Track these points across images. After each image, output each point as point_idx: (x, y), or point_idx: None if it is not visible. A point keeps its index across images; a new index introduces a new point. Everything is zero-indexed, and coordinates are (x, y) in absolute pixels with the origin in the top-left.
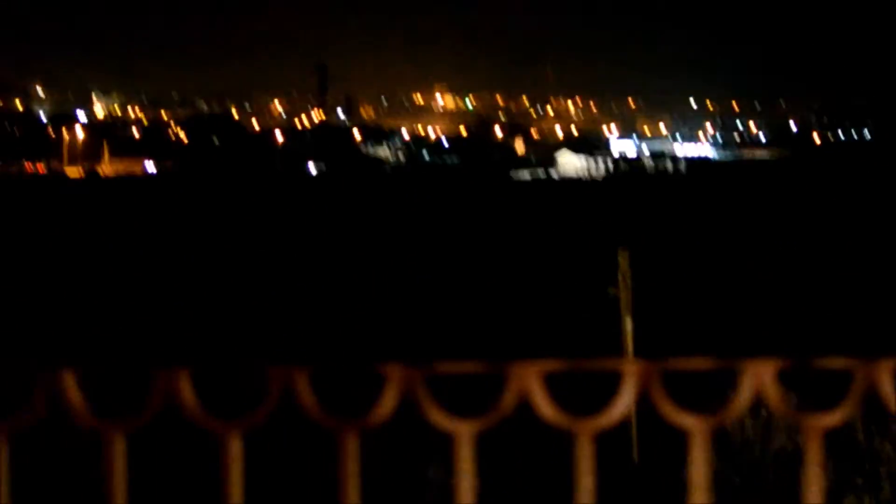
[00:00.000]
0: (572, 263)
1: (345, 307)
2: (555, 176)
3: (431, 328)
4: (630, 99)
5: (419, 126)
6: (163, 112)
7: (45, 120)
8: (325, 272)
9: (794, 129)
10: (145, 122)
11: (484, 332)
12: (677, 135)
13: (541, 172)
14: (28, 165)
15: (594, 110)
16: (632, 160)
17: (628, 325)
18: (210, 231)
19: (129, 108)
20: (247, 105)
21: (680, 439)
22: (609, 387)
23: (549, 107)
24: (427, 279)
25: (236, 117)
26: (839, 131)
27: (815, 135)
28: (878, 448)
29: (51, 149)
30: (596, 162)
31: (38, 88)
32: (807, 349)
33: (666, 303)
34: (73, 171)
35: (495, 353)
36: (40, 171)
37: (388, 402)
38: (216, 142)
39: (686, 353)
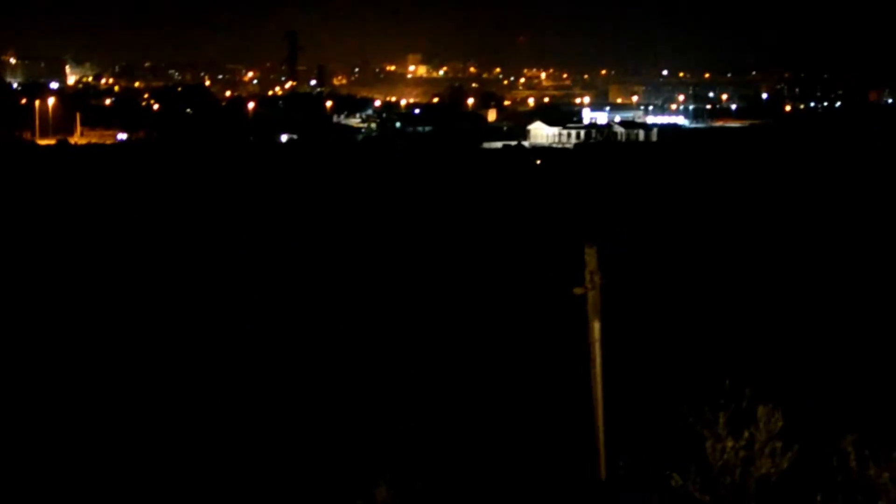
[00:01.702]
0: (534, 259)
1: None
2: (526, 145)
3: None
4: (603, 70)
5: (391, 96)
6: (135, 83)
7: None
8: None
9: (765, 99)
10: (117, 90)
11: (435, 337)
12: (649, 106)
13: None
14: None
15: (567, 81)
16: (602, 128)
17: (596, 330)
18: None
19: (103, 78)
20: (219, 76)
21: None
22: None
23: (521, 77)
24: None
25: (209, 86)
26: (810, 103)
27: (785, 105)
28: (873, 477)
29: (23, 119)
30: (568, 132)
31: (11, 59)
32: (793, 352)
33: (638, 303)
34: (45, 142)
35: (449, 361)
36: None
37: None
38: (188, 111)
39: (660, 360)
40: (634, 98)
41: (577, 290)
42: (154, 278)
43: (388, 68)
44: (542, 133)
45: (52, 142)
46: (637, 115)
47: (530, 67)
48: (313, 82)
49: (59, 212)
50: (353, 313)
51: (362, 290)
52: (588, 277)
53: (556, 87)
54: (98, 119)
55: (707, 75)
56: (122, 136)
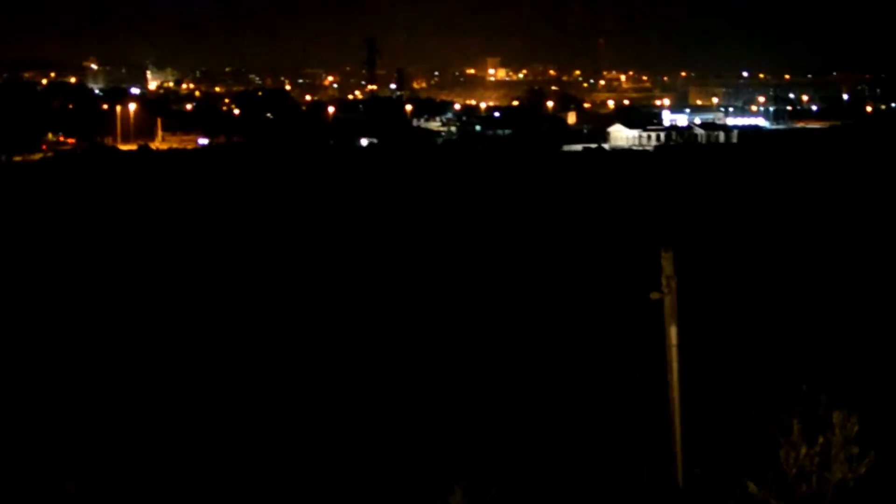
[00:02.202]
0: (613, 263)
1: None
2: (606, 148)
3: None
4: (682, 72)
5: (471, 99)
6: (216, 87)
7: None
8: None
9: (846, 100)
10: (198, 95)
11: (511, 339)
12: (730, 108)
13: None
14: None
15: (647, 83)
16: (682, 130)
17: (673, 335)
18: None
19: (183, 83)
20: (299, 80)
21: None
22: None
23: (601, 80)
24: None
25: (289, 90)
26: (891, 103)
27: (867, 106)
28: None
29: (105, 124)
30: (648, 134)
31: (93, 65)
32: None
33: (716, 308)
34: (127, 147)
35: (525, 364)
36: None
37: None
38: (269, 116)
39: (739, 367)
40: (714, 100)
41: (654, 295)
42: (231, 275)
43: (467, 71)
44: (622, 135)
45: (133, 147)
46: (717, 117)
47: (610, 70)
48: (393, 86)
49: (144, 215)
50: (429, 312)
51: (440, 289)
52: (665, 282)
53: (635, 90)
54: (179, 124)
55: (787, 77)
56: (203, 141)
